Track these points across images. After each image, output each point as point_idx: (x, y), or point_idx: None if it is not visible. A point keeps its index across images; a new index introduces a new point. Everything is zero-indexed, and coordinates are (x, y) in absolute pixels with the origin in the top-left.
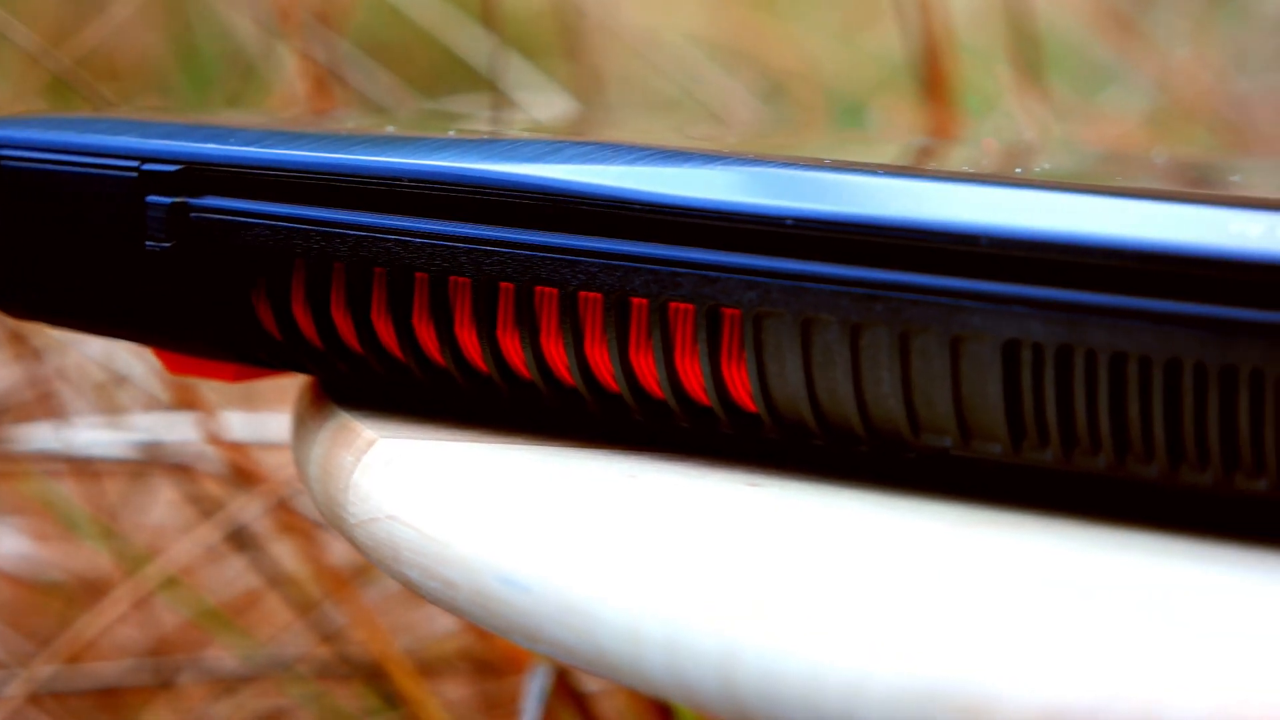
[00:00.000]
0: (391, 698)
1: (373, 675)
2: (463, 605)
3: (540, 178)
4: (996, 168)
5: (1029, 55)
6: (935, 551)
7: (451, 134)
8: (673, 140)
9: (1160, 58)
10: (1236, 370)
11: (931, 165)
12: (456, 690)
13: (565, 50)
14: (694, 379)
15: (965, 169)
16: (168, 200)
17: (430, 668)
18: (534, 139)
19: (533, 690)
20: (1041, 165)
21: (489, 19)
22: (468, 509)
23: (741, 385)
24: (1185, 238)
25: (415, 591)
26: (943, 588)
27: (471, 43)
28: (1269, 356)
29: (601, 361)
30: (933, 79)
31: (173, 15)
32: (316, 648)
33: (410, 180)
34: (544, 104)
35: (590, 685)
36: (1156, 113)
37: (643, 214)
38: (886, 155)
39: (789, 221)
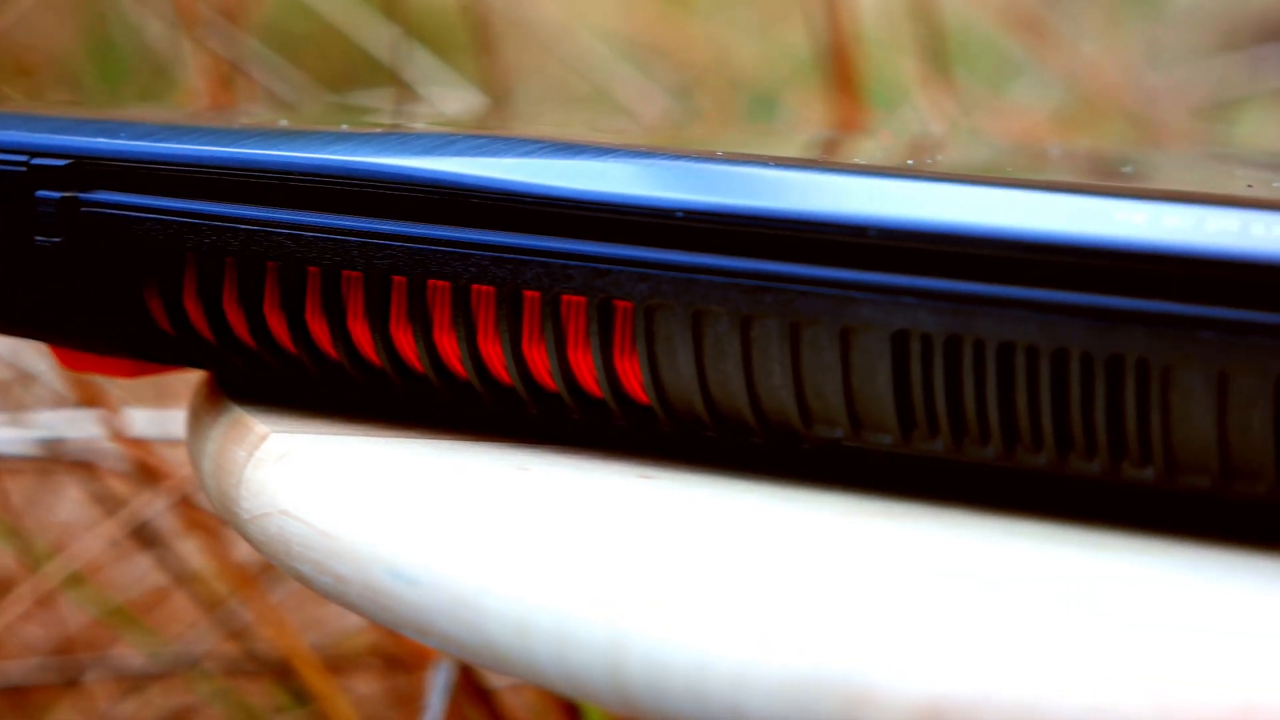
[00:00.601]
0: (300, 694)
1: (281, 672)
2: (354, 600)
3: (431, 171)
4: (889, 160)
5: (936, 49)
6: (825, 542)
7: (344, 128)
8: (567, 133)
9: (1070, 52)
10: (1122, 359)
11: (824, 157)
12: (367, 685)
13: (474, 45)
14: (587, 372)
15: (856, 161)
16: (57, 195)
17: (339, 663)
18: (426, 132)
19: (436, 685)
20: (935, 157)
21: (392, 12)
22: (358, 503)
23: (634, 377)
24: (1070, 228)
25: (308, 586)
26: (831, 579)
27: (383, 38)
28: (1153, 345)
29: (494, 354)
30: (840, 72)
31: (85, 10)
32: (224, 645)
33: (301, 174)
34: (453, 99)
35: (496, 681)
36: (1065, 107)
37: (534, 207)
38: (784, 148)
39: (679, 214)
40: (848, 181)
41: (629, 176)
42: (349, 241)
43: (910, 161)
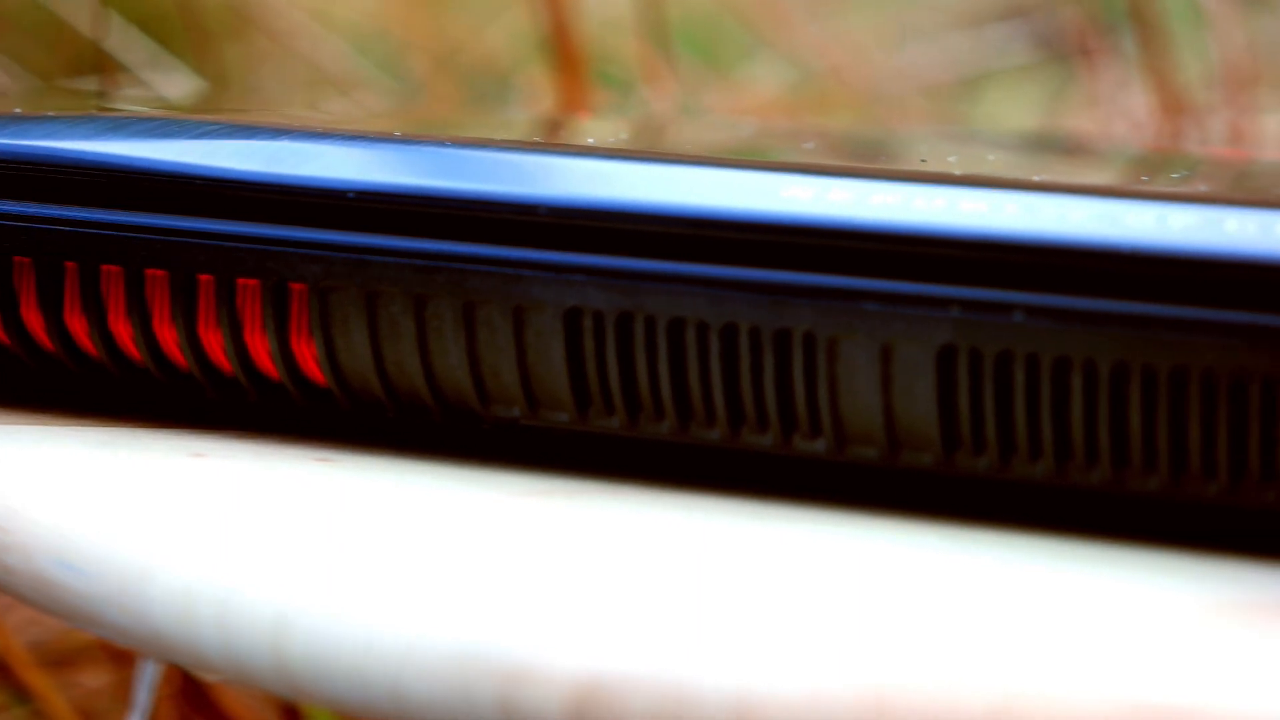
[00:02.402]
0: (20, 692)
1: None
2: (24, 592)
3: (99, 154)
4: (580, 139)
5: (658, 28)
6: (494, 522)
7: (16, 111)
8: (248, 116)
9: (804, 31)
10: (790, 333)
11: (501, 137)
12: (95, 679)
13: (192, 32)
14: (264, 355)
15: (532, 139)
16: None
17: (64, 658)
18: (100, 115)
19: (144, 679)
20: (622, 136)
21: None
22: (24, 493)
23: (312, 360)
24: (736, 204)
25: None
26: (494, 558)
27: (112, 28)
28: (818, 319)
29: (170, 339)
30: (564, 54)
31: None
32: None
33: None
34: (173, 85)
35: (212, 675)
36: (801, 87)
37: (204, 189)
38: (484, 130)
39: (350, 194)
40: (518, 159)
41: (301, 157)
42: (15, 227)
43: (590, 140)
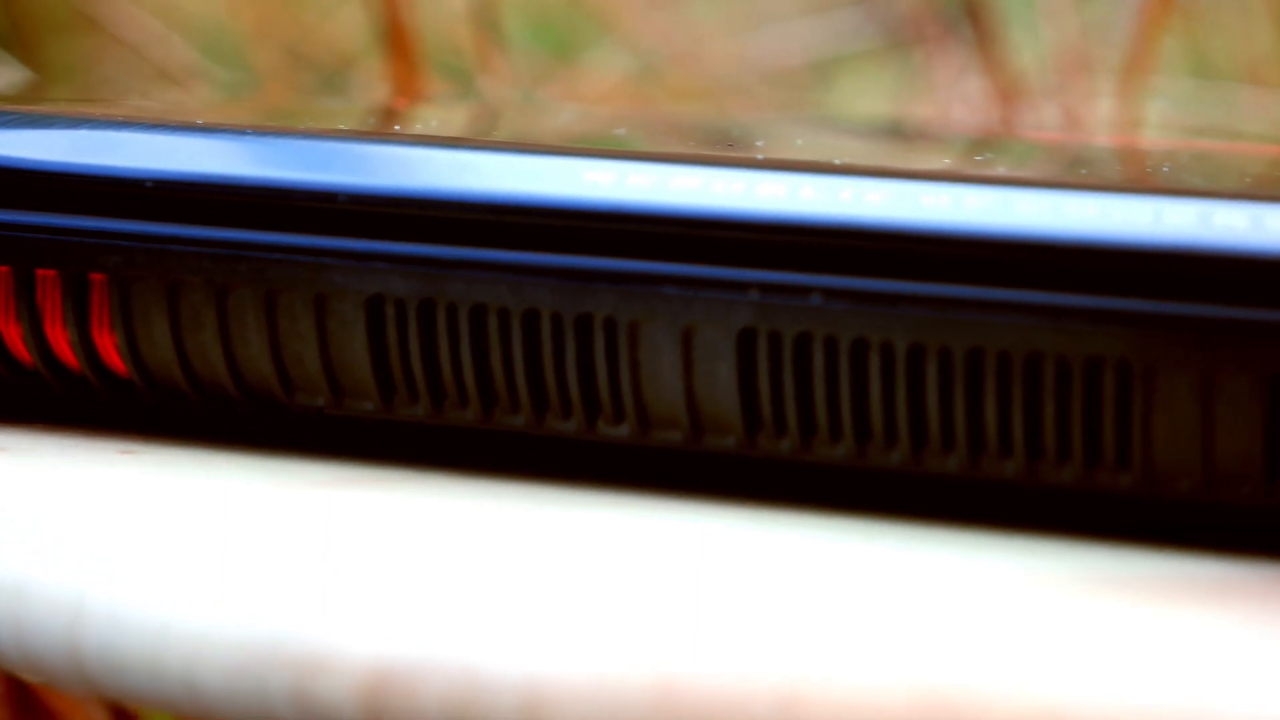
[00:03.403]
0: None
1: None
2: None
3: None
4: (386, 127)
5: (492, 16)
6: (293, 511)
7: None
8: (57, 108)
9: (653, 19)
10: (591, 318)
11: (321, 126)
12: None
13: (30, 27)
14: (65, 346)
15: (337, 127)
16: None
17: None
18: None
19: None
20: (433, 124)
21: None
22: None
23: (114, 351)
24: (536, 189)
25: None
26: (289, 547)
27: None
28: (619, 303)
29: None
30: (396, 43)
31: None
32: None
33: None
34: (5, 81)
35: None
36: (647, 75)
37: (1, 179)
38: (300, 119)
39: (148, 183)
40: (318, 147)
41: (100, 146)
42: None
43: (397, 127)
